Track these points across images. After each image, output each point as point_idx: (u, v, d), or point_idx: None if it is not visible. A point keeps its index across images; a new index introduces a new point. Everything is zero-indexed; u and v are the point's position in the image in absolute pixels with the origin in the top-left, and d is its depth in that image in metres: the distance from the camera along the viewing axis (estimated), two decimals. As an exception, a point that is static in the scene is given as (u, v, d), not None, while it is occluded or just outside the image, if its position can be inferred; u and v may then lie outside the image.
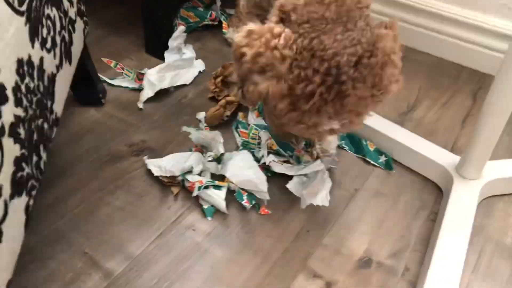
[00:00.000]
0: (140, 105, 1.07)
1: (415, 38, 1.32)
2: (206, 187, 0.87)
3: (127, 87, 1.12)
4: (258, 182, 0.85)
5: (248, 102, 0.74)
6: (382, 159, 1.00)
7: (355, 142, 1.01)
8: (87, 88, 1.06)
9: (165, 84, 1.10)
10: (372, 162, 0.99)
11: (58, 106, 0.78)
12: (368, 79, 0.65)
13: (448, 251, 0.79)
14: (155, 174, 0.89)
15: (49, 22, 0.74)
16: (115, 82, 1.12)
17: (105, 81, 1.12)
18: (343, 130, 0.72)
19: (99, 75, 1.09)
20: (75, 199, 0.87)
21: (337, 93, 0.65)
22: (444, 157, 0.95)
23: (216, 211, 0.86)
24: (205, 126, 1.01)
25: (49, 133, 0.73)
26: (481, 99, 1.16)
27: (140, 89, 1.10)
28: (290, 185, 0.91)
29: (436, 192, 0.94)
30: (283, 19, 0.70)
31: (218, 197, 0.86)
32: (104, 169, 0.93)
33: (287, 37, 0.66)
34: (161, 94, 1.09)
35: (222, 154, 0.92)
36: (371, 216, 0.89)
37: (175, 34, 1.18)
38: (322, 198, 0.87)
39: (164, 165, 0.90)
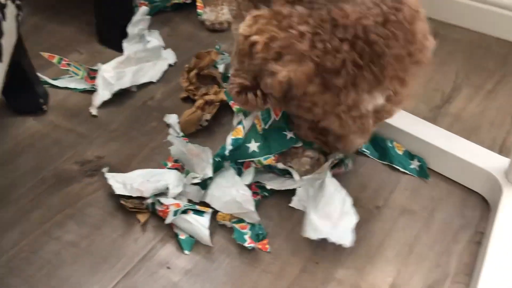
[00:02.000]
0: (93, 111, 1.11)
1: (449, 10, 1.37)
2: (184, 212, 0.90)
3: (75, 88, 1.16)
4: (243, 200, 0.89)
5: (261, 105, 0.82)
6: (415, 164, 1.03)
7: (378, 145, 1.06)
8: (24, 92, 1.09)
9: (125, 83, 1.14)
10: (402, 170, 1.03)
11: (-12, 115, 0.82)
12: (399, 35, 0.76)
13: (497, 281, 0.83)
14: (117, 192, 0.92)
15: (-28, 8, 0.78)
16: (60, 82, 1.16)
17: (47, 82, 1.16)
18: (389, 108, 0.82)
19: (39, 74, 1.13)
20: (13, 235, 0.90)
21: (370, 55, 0.75)
22: (491, 161, 0.99)
23: (195, 243, 0.90)
24: (182, 136, 1.05)
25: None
26: (537, 84, 1.20)
27: (92, 91, 1.14)
28: (295, 202, 0.95)
29: (481, 206, 0.98)
30: (293, 3, 0.78)
31: (199, 225, 0.89)
32: (49, 195, 0.96)
33: (301, 13, 0.76)
34: (121, 96, 1.13)
35: (210, 178, 0.94)
36: (398, 240, 0.92)
37: (135, 18, 1.22)
38: (343, 235, 0.87)
39: (130, 182, 0.93)
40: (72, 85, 1.16)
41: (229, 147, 0.92)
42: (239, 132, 0.92)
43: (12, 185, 0.97)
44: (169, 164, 1.00)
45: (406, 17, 0.77)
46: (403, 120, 1.06)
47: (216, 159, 0.93)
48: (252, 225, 0.90)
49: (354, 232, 0.88)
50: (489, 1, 1.33)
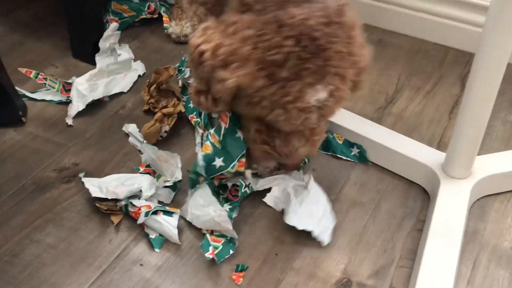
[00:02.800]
0: (69, 121, 1.09)
1: (391, 19, 1.39)
2: (155, 213, 0.90)
3: (52, 100, 1.14)
4: (220, 220, 0.88)
5: (213, 107, 0.84)
6: (355, 151, 1.05)
7: None
8: (3, 105, 1.08)
9: (98, 94, 1.13)
10: (345, 158, 1.05)
11: (-33, 131, 0.81)
12: (341, 34, 0.78)
13: (437, 264, 0.85)
14: (94, 195, 0.91)
15: None
16: (37, 95, 1.15)
17: (25, 95, 1.14)
18: (331, 102, 0.82)
19: (17, 88, 1.12)
20: (-4, 240, 0.89)
21: (314, 50, 0.77)
22: (429, 155, 1.01)
23: (165, 241, 0.89)
24: (147, 144, 1.04)
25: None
26: (470, 84, 1.22)
27: (68, 102, 1.13)
28: (268, 199, 0.95)
29: (422, 197, 1.00)
30: (244, 12, 0.79)
31: (168, 224, 0.89)
32: (29, 201, 0.95)
33: (246, 20, 0.77)
34: (94, 106, 1.12)
35: (179, 181, 0.95)
36: (348, 230, 0.93)
37: (106, 33, 1.22)
38: (324, 234, 0.89)
39: (105, 186, 0.92)
40: (48, 97, 1.15)
41: (200, 162, 0.90)
42: (207, 147, 0.90)
43: (-6, 193, 0.96)
44: (141, 169, 0.99)
45: (348, 22, 0.80)
46: (351, 121, 1.08)
47: (192, 176, 0.92)
48: (227, 242, 0.88)
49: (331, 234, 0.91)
50: (426, 10, 1.35)
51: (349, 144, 1.05)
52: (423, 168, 0.99)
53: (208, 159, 0.90)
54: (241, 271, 0.86)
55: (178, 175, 0.96)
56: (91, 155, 1.04)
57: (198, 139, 1.05)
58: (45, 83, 1.15)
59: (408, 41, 1.37)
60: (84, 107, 1.10)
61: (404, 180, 1.02)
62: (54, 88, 1.15)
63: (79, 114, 1.11)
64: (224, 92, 0.80)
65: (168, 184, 0.95)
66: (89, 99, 1.11)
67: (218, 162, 0.90)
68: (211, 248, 0.86)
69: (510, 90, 1.23)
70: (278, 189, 0.96)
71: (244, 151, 0.93)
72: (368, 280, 0.86)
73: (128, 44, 1.28)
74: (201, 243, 0.87)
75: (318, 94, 0.80)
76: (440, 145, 1.09)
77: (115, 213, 0.92)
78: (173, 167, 0.97)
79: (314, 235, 0.89)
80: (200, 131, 1.04)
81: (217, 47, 0.77)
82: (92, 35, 1.22)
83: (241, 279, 0.85)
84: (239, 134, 0.92)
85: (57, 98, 1.14)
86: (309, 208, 0.92)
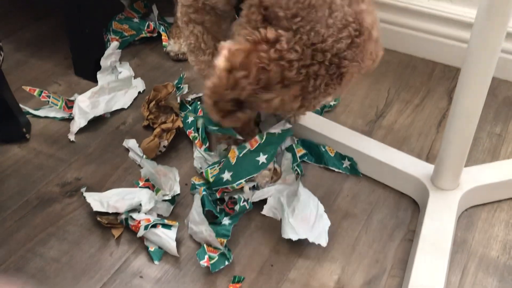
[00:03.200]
0: (72, 137, 1.08)
1: (380, 35, 1.38)
2: (154, 226, 0.89)
3: (55, 117, 1.14)
4: (211, 240, 0.87)
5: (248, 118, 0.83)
6: (346, 164, 1.04)
7: (313, 151, 1.06)
8: (7, 122, 1.07)
9: (99, 111, 1.12)
10: (336, 170, 1.04)
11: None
12: (359, 57, 0.76)
13: (426, 273, 0.84)
14: (95, 209, 0.90)
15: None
16: (41, 112, 1.14)
17: (29, 113, 1.13)
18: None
19: (21, 105, 1.11)
20: (0, 253, 0.88)
21: (337, 75, 0.76)
22: (418, 167, 1.00)
23: (164, 254, 0.88)
24: (146, 158, 1.03)
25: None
26: (456, 98, 1.22)
27: (70, 119, 1.12)
28: (266, 210, 0.94)
29: (412, 208, 0.99)
30: (266, 17, 0.75)
31: (167, 237, 0.88)
32: (33, 215, 0.94)
33: (288, 39, 0.73)
34: (96, 122, 1.12)
35: (178, 195, 0.94)
36: (341, 241, 0.93)
37: (107, 52, 1.21)
38: (320, 236, 0.88)
39: (106, 200, 0.92)
40: (52, 114, 1.14)
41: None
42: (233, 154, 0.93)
43: (-2, 208, 0.95)
44: (141, 183, 0.98)
45: (365, 39, 0.77)
46: (343, 135, 1.07)
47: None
48: (223, 254, 0.87)
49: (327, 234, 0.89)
50: (414, 27, 1.35)
51: (341, 157, 1.05)
52: (413, 180, 0.99)
53: (219, 171, 0.91)
54: (237, 282, 0.85)
55: (177, 189, 0.95)
56: (93, 169, 1.03)
57: (196, 153, 1.04)
58: (48, 101, 1.14)
59: (397, 57, 1.36)
60: (86, 123, 1.10)
61: (394, 192, 1.02)
62: (57, 105, 1.14)
63: (81, 130, 1.10)
64: (269, 110, 0.80)
65: (166, 198, 0.94)
66: (91, 116, 1.11)
67: (227, 175, 0.90)
68: (206, 256, 0.85)
69: (495, 103, 1.23)
70: (273, 199, 0.96)
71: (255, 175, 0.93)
72: (361, 290, 0.86)
73: (129, 62, 1.27)
74: (197, 251, 0.86)
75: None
76: (429, 157, 1.08)
77: (115, 226, 0.91)
78: (172, 181, 0.96)
79: (311, 241, 0.88)
80: (197, 147, 1.04)
81: (260, 72, 0.72)
82: (94, 54, 1.21)
83: (237, 289, 0.85)
84: (260, 159, 0.92)
85: (60, 115, 1.14)
86: (301, 215, 0.91)
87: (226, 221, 0.91)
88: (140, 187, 0.98)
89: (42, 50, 1.32)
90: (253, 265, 0.88)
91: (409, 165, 1.01)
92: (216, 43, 0.92)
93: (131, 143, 1.05)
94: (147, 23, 1.35)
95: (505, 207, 1.00)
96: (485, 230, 0.96)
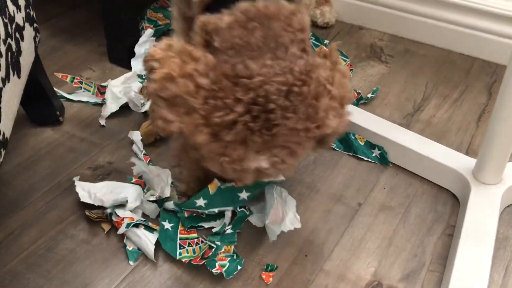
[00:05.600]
0: (102, 122, 1.07)
1: (418, 30, 1.34)
2: (136, 226, 0.84)
3: (88, 102, 1.12)
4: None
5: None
6: (376, 153, 1.00)
7: (342, 139, 1.02)
8: (42, 105, 1.06)
9: (131, 97, 1.10)
10: (365, 159, 1.00)
11: (6, 125, 0.78)
12: (299, 109, 0.66)
13: (469, 269, 0.79)
14: (82, 200, 0.87)
15: (-9, 28, 0.75)
16: (74, 96, 1.13)
17: (63, 96, 1.12)
18: (272, 172, 0.69)
19: (56, 89, 1.10)
20: (31, 234, 0.86)
21: (264, 121, 0.65)
22: (459, 161, 0.96)
23: (141, 255, 0.84)
24: (145, 155, 0.98)
25: (-4, 156, 0.73)
26: (497, 93, 1.17)
27: (103, 104, 1.10)
28: (253, 219, 0.89)
29: (452, 202, 0.95)
30: (208, 42, 0.68)
31: (147, 239, 0.83)
32: (64, 197, 0.92)
33: (208, 62, 0.65)
34: (128, 108, 1.09)
35: (167, 198, 0.89)
36: (378, 233, 0.89)
37: (142, 39, 1.19)
38: (291, 221, 0.85)
39: (94, 192, 0.88)
40: (85, 98, 1.12)
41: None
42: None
43: (31, 189, 0.94)
44: (134, 180, 0.93)
45: (311, 91, 0.66)
46: (380, 126, 1.03)
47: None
48: (233, 260, 0.82)
49: (297, 213, 0.86)
50: (453, 21, 1.30)
51: (371, 146, 1.01)
52: (453, 174, 0.94)
53: (195, 196, 0.86)
54: (271, 270, 0.82)
55: (167, 192, 0.89)
56: (124, 154, 1.01)
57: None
58: (80, 87, 1.13)
59: (434, 51, 1.32)
60: (117, 108, 1.08)
61: (433, 185, 0.97)
62: (89, 91, 1.13)
63: (113, 115, 1.08)
64: (163, 132, 0.68)
65: (152, 198, 0.89)
66: (123, 101, 1.09)
67: (200, 202, 0.86)
68: (217, 264, 0.80)
69: (537, 99, 1.17)
70: (254, 208, 0.91)
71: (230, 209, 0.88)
72: (398, 284, 0.81)
73: (162, 50, 1.25)
74: (206, 262, 0.80)
75: (260, 163, 0.67)
76: (469, 152, 1.04)
77: (105, 220, 0.88)
78: (163, 183, 0.90)
79: (285, 230, 0.83)
80: None
81: (168, 80, 0.65)
82: (128, 41, 1.20)
83: (270, 279, 0.81)
84: (243, 195, 0.87)
85: (93, 99, 1.12)
86: (271, 212, 0.85)
87: (228, 230, 0.86)
88: (132, 183, 0.92)
89: (77, 37, 1.31)
90: (286, 255, 0.85)
91: (450, 158, 0.96)
92: None
93: (135, 135, 1.01)
94: (182, 12, 1.33)
95: (550, 205, 0.94)
96: (529, 227, 0.91)
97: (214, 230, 0.87)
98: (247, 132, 0.65)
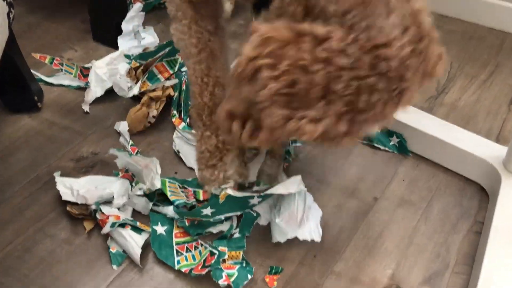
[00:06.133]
0: (86, 108, 1.06)
1: (442, 2, 1.33)
2: (122, 226, 0.84)
3: (69, 85, 1.12)
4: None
5: (247, 141, 0.67)
6: (394, 141, 1.00)
7: None
8: (18, 90, 1.05)
9: (117, 80, 1.09)
10: (382, 148, 1.00)
11: (-24, 112, 0.78)
12: (421, 68, 0.64)
13: (499, 271, 0.79)
14: (64, 198, 0.87)
15: (-43, 2, 0.74)
16: (54, 80, 1.12)
17: (41, 80, 1.12)
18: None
19: (33, 72, 1.09)
20: (7, 233, 0.86)
21: (398, 92, 0.63)
22: (488, 149, 0.95)
23: (127, 258, 0.83)
24: (132, 145, 0.98)
25: (-35, 146, 0.72)
26: (532, 72, 1.17)
27: (87, 88, 1.10)
28: (262, 220, 0.88)
29: (480, 196, 0.94)
30: (309, 10, 0.64)
31: (133, 242, 0.82)
32: (44, 192, 0.92)
33: (341, 38, 0.60)
34: (114, 92, 1.08)
35: (156, 191, 0.88)
36: (396, 231, 0.88)
37: (129, 14, 1.19)
38: (310, 231, 0.84)
39: (77, 188, 0.88)
40: (66, 82, 1.12)
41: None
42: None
43: (7, 183, 0.93)
44: (120, 174, 0.92)
45: (426, 45, 0.64)
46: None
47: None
48: (243, 268, 0.81)
49: (320, 226, 0.84)
50: (481, -8, 1.29)
51: (388, 133, 1.00)
52: (482, 164, 0.94)
53: (202, 206, 0.86)
54: (275, 273, 0.82)
55: (157, 183, 0.88)
56: (111, 144, 1.00)
57: (175, 134, 1.01)
58: (61, 69, 1.12)
59: (461, 26, 1.31)
60: (102, 93, 1.08)
61: (458, 177, 0.97)
62: (71, 73, 1.12)
63: (98, 101, 1.08)
64: (286, 138, 0.69)
65: (139, 193, 0.88)
66: (108, 85, 1.08)
67: (207, 211, 0.84)
68: (224, 274, 0.79)
69: None
70: (261, 207, 0.89)
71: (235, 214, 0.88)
72: (419, 288, 0.81)
73: (153, 27, 1.25)
74: (212, 273, 0.79)
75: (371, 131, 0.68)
76: (499, 139, 1.04)
77: (87, 218, 0.87)
78: (153, 173, 0.89)
79: (301, 239, 0.83)
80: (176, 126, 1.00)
81: (292, 71, 0.59)
82: (115, 17, 1.19)
83: (275, 283, 0.81)
84: (254, 201, 0.86)
85: (75, 83, 1.12)
86: (287, 212, 0.85)
87: (236, 234, 0.86)
88: (119, 177, 0.92)
89: (57, 13, 1.31)
90: (293, 255, 0.84)
91: (477, 147, 0.96)
92: (196, 14, 0.85)
93: (122, 126, 1.00)
94: (175, -16, 1.32)
95: None
96: None
97: (217, 232, 0.86)
98: (382, 107, 0.62)
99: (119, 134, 1.01)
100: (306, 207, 0.86)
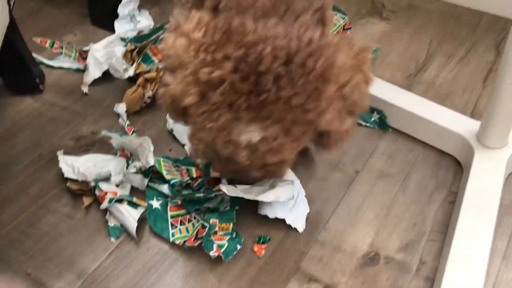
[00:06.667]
0: (85, 89, 1.05)
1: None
2: (120, 201, 0.84)
3: (69, 68, 1.11)
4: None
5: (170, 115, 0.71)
6: (375, 117, 0.99)
7: None
8: (20, 73, 1.04)
9: (113, 62, 1.08)
10: (364, 124, 0.99)
11: (-22, 96, 0.77)
12: (298, 82, 0.62)
13: (470, 237, 0.79)
14: (66, 175, 0.86)
15: (-44, -8, 0.73)
16: (55, 62, 1.11)
17: (43, 63, 1.11)
18: (265, 149, 0.68)
19: (34, 55, 1.08)
20: (12, 209, 0.86)
21: (254, 85, 0.62)
22: (462, 124, 0.95)
23: (124, 232, 0.83)
24: (128, 126, 0.98)
25: (-32, 129, 0.72)
26: (506, 50, 1.15)
27: (85, 70, 1.09)
28: (263, 210, 0.85)
29: (454, 168, 0.94)
30: (216, 5, 0.68)
31: (130, 216, 0.82)
32: (46, 170, 0.92)
33: (200, 19, 0.64)
34: (111, 74, 1.08)
35: (151, 167, 0.88)
36: (376, 202, 0.88)
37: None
38: (297, 220, 0.83)
39: (78, 166, 0.87)
40: (66, 65, 1.11)
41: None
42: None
43: (10, 162, 0.93)
44: (119, 153, 0.92)
45: (317, 71, 0.62)
46: (380, 88, 1.01)
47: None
48: (232, 238, 0.81)
49: (306, 199, 0.85)
50: (459, -27, 1.27)
51: (370, 109, 1.00)
52: (456, 138, 0.93)
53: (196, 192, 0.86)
54: (263, 243, 0.82)
55: (150, 160, 0.87)
56: (109, 123, 1.00)
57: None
58: (61, 52, 1.11)
59: (439, 6, 1.29)
60: (100, 75, 1.06)
61: (435, 150, 0.96)
62: (70, 57, 1.11)
63: (96, 82, 1.07)
64: (165, 100, 0.68)
65: (133, 170, 0.88)
66: (106, 67, 1.07)
67: (200, 194, 0.84)
68: (215, 246, 0.79)
69: (549, 56, 1.15)
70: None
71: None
72: (396, 254, 0.81)
73: (148, 11, 1.23)
74: (203, 244, 0.79)
75: (249, 135, 0.66)
76: (474, 114, 1.03)
77: (86, 194, 0.87)
78: (147, 151, 0.89)
79: (288, 222, 0.83)
80: None
81: (169, 46, 0.66)
82: (111, 1, 1.17)
83: (263, 251, 0.81)
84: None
85: (75, 66, 1.11)
86: (272, 192, 0.83)
87: (227, 207, 0.85)
88: (117, 156, 0.91)
89: (56, -2, 1.29)
90: (279, 226, 0.84)
91: (452, 121, 0.95)
92: None
93: (120, 108, 1.00)
94: (168, -32, 1.30)
95: (559, 168, 0.94)
96: (536, 193, 0.90)
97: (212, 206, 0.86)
98: (235, 95, 0.63)
99: (117, 115, 1.01)
100: (298, 199, 0.86)
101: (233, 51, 0.62)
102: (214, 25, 0.64)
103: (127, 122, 0.98)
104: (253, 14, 0.65)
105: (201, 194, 0.84)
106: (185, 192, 0.86)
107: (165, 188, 0.87)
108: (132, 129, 0.97)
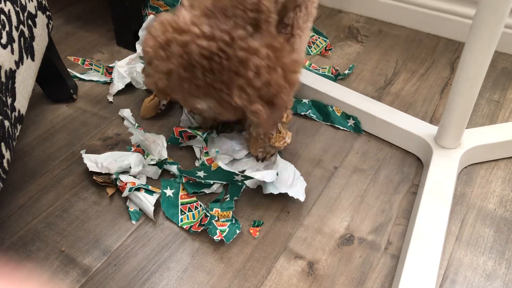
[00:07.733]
0: (110, 98, 1.05)
1: (390, 12, 1.30)
2: (138, 190, 0.83)
3: (98, 81, 1.10)
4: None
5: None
6: (351, 122, 0.99)
7: (322, 110, 1.01)
8: (57, 85, 1.03)
9: (134, 76, 1.08)
10: (342, 128, 0.99)
11: (21, 103, 0.76)
12: (218, 73, 0.66)
13: (429, 221, 0.79)
14: (90, 169, 0.86)
15: (2, 16, 0.72)
16: (86, 76, 1.10)
17: (76, 76, 1.10)
18: (211, 111, 0.72)
19: (69, 70, 1.07)
20: (49, 197, 0.85)
21: (192, 74, 0.67)
22: (423, 129, 0.94)
23: (143, 215, 0.82)
24: (138, 127, 0.97)
25: (12, 131, 0.71)
26: (459, 68, 1.15)
27: (111, 82, 1.08)
28: (268, 190, 0.84)
29: (416, 164, 0.93)
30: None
31: (147, 201, 0.82)
32: (78, 165, 0.91)
33: (164, 20, 0.67)
34: (132, 86, 1.07)
35: (165, 159, 0.88)
36: (351, 192, 0.88)
37: (145, 24, 1.15)
38: (298, 192, 0.83)
39: (100, 161, 0.87)
40: (95, 78, 1.10)
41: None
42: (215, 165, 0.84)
43: (49, 158, 0.92)
44: (133, 149, 0.91)
45: (228, 67, 0.66)
46: (355, 99, 1.01)
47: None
48: (232, 224, 0.80)
49: (304, 193, 0.84)
50: (420, 4, 1.26)
51: (346, 116, 0.99)
52: (418, 140, 0.93)
53: (197, 168, 0.85)
54: (257, 226, 0.81)
55: (164, 154, 0.88)
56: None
57: (183, 116, 0.98)
58: (91, 68, 1.10)
59: (404, 31, 1.29)
60: (123, 86, 1.05)
61: (400, 150, 0.96)
62: (98, 71, 1.10)
63: (120, 92, 1.06)
64: (148, 86, 0.73)
65: (152, 163, 0.87)
66: (128, 80, 1.06)
67: (200, 173, 0.83)
68: (218, 231, 0.79)
69: (493, 72, 1.15)
70: (251, 171, 0.87)
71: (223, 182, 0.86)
72: (368, 236, 0.81)
73: (164, 34, 1.22)
74: (208, 229, 0.79)
75: (198, 104, 0.72)
76: (432, 120, 1.02)
77: (109, 185, 0.86)
78: (160, 147, 0.89)
79: (290, 195, 0.82)
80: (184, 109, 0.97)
81: (147, 44, 0.69)
82: (133, 26, 1.17)
83: (257, 233, 0.80)
84: (238, 177, 0.84)
85: (102, 79, 1.10)
86: (280, 177, 0.84)
87: (227, 198, 0.84)
88: (132, 151, 0.91)
89: (88, 24, 1.28)
90: (271, 212, 0.84)
91: (415, 126, 0.94)
92: None
93: (125, 112, 0.99)
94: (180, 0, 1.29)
95: (502, 165, 0.93)
96: (483, 185, 0.89)
97: (210, 193, 0.85)
98: (182, 81, 0.68)
99: (123, 119, 1.00)
100: (295, 178, 0.86)
101: (176, 49, 0.66)
102: (170, 25, 0.67)
103: (136, 124, 0.97)
104: (203, 13, 0.67)
105: (202, 175, 0.83)
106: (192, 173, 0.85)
107: (174, 169, 0.86)
108: (142, 129, 0.96)
